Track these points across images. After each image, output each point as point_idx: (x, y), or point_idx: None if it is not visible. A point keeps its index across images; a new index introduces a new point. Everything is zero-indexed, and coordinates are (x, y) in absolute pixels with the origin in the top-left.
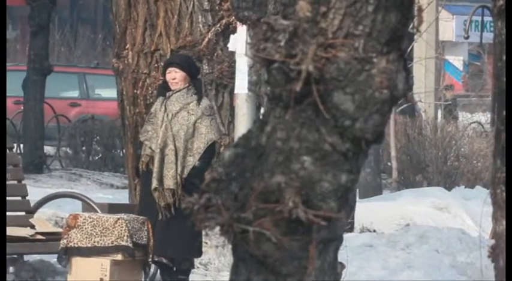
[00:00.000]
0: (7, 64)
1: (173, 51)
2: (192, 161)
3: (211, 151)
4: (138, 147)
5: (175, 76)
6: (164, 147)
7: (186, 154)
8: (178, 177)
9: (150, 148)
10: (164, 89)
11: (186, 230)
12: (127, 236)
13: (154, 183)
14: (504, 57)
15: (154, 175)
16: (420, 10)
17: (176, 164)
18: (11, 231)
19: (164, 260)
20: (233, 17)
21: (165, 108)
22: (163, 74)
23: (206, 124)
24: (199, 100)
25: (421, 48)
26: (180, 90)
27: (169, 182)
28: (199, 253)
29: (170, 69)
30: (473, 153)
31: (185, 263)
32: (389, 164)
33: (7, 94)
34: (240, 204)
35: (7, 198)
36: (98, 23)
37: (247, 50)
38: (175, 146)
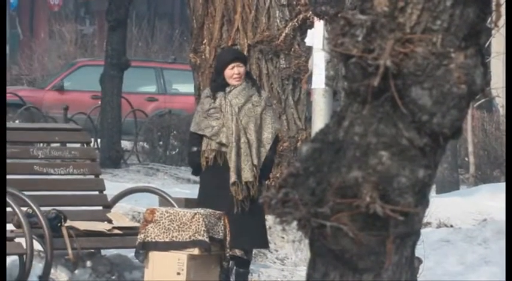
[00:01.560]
0: (84, 59)
1: (250, 46)
2: (264, 151)
3: (276, 141)
4: (195, 143)
5: (239, 71)
6: (238, 140)
7: (258, 146)
8: (254, 169)
9: (219, 142)
10: (221, 85)
11: (259, 221)
12: (204, 230)
13: (233, 177)
14: None
15: (232, 169)
16: (498, 5)
17: (251, 156)
18: (88, 225)
19: (238, 253)
20: (310, 12)
21: (230, 102)
22: (222, 70)
23: (270, 114)
24: (259, 91)
25: (499, 43)
26: (240, 84)
27: (247, 175)
28: (268, 244)
29: (234, 64)
30: None
31: (251, 255)
32: (466, 159)
33: (85, 89)
34: (317, 199)
35: (85, 192)
36: (175, 18)
37: (325, 45)
38: (247, 138)
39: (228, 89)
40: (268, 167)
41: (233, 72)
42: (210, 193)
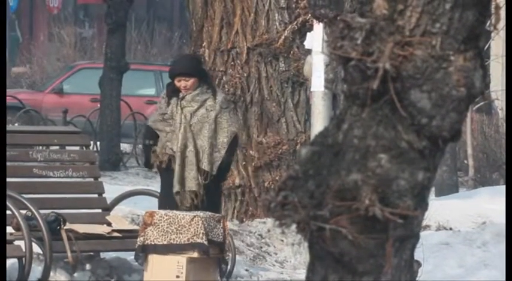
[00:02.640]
0: (83, 62)
1: (249, 49)
2: (219, 156)
3: (234, 144)
4: (148, 136)
5: (185, 84)
6: (184, 149)
7: (212, 151)
8: (199, 178)
9: (171, 148)
10: (174, 90)
11: None
12: (202, 233)
13: (177, 187)
14: None
15: (176, 178)
16: (498, 8)
17: (197, 165)
18: (87, 228)
19: None
20: (309, 15)
21: (181, 110)
22: (172, 78)
23: (226, 118)
24: (214, 95)
25: (498, 46)
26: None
27: (190, 184)
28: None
29: (179, 78)
30: None
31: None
32: (465, 162)
33: (84, 92)
34: (316, 202)
35: (84, 195)
36: (175, 21)
37: (324, 48)
38: (195, 146)
39: (181, 95)
40: (225, 170)
41: (180, 84)
42: (167, 193)
